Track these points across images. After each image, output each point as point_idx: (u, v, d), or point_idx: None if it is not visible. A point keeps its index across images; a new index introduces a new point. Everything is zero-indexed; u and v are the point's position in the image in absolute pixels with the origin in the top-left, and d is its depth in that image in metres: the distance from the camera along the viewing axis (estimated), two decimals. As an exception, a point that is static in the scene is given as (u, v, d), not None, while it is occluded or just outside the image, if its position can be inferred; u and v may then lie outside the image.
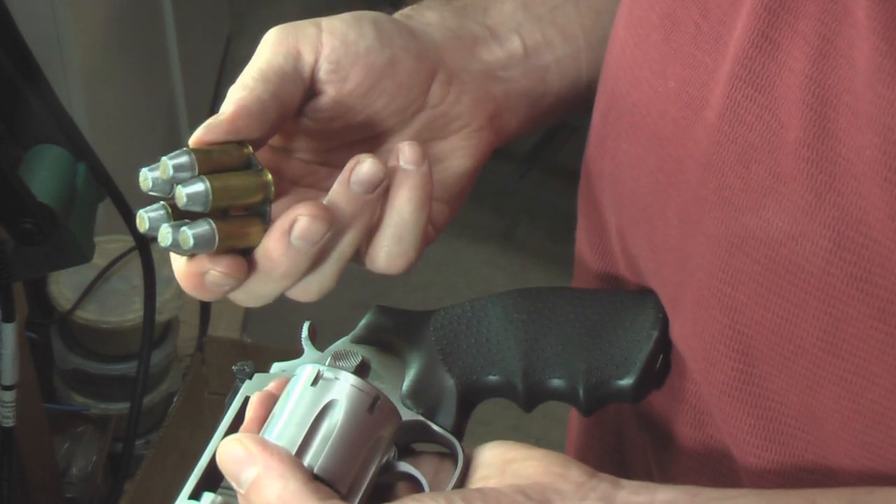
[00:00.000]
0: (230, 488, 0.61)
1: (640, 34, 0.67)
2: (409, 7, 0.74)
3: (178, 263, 0.63)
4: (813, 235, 0.58)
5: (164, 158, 0.62)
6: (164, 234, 0.61)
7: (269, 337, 2.39)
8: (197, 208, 0.61)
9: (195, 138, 0.63)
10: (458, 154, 0.71)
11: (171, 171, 0.61)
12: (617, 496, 0.58)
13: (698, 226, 0.63)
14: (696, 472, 0.70)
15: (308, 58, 0.67)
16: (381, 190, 0.64)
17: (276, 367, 0.68)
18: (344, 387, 0.62)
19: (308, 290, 0.66)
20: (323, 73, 0.67)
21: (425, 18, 0.73)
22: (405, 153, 0.65)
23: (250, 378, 0.67)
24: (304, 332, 0.69)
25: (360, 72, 0.68)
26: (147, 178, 0.62)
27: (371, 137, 0.71)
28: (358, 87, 0.68)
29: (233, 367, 0.68)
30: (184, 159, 0.61)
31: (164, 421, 1.94)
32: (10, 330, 1.34)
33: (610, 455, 0.79)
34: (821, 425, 0.62)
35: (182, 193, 0.61)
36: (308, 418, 0.61)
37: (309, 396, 0.62)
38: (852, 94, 0.55)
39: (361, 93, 0.68)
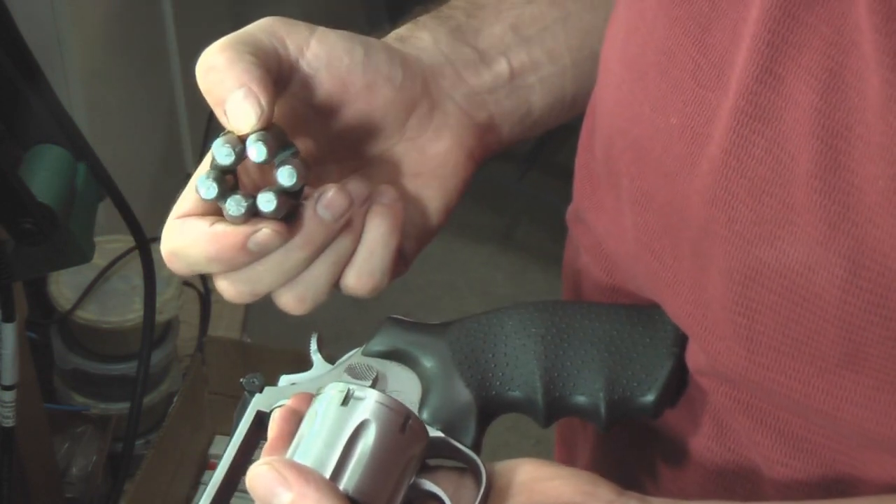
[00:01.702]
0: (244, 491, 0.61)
1: (637, 71, 0.66)
2: (405, 26, 0.75)
3: (217, 230, 0.63)
4: (828, 265, 0.58)
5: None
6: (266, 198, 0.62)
7: (269, 337, 2.39)
8: (292, 184, 0.63)
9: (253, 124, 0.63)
10: (431, 193, 0.72)
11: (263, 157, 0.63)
12: None
13: (710, 259, 0.63)
14: (714, 486, 0.70)
15: (291, 50, 0.67)
16: (346, 218, 0.65)
17: (285, 379, 0.68)
18: (375, 406, 0.61)
19: (302, 299, 0.66)
20: (300, 75, 0.68)
21: (419, 41, 0.73)
22: (381, 193, 0.67)
23: (260, 391, 0.66)
24: (313, 345, 0.69)
25: (335, 86, 0.68)
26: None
27: (353, 158, 0.71)
28: (329, 100, 0.68)
29: (241, 381, 0.67)
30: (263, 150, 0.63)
31: (164, 421, 1.94)
32: (10, 330, 1.34)
33: (611, 472, 0.79)
34: (847, 438, 0.63)
35: (283, 173, 0.63)
36: (340, 440, 0.60)
37: (339, 416, 0.60)
38: (863, 125, 0.55)
39: (332, 107, 0.69)
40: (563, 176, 0.80)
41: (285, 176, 0.63)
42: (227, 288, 0.66)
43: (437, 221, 0.72)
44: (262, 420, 0.66)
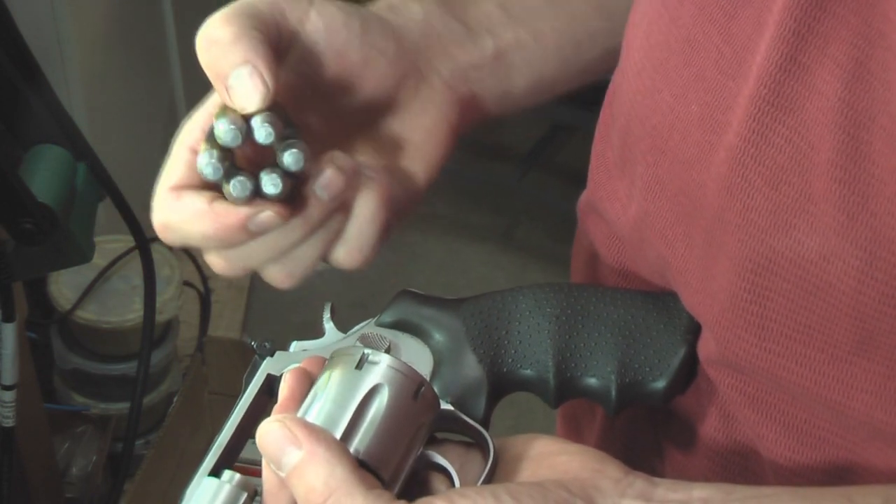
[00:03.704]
0: (250, 462, 0.61)
1: (659, 59, 0.67)
2: None
3: (217, 210, 0.62)
4: (844, 255, 0.58)
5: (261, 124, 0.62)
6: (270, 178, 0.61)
7: (269, 337, 2.39)
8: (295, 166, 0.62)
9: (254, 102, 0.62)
10: (416, 167, 0.71)
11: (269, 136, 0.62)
12: (654, 493, 0.58)
13: (721, 248, 0.63)
14: (719, 474, 0.70)
15: (291, 22, 0.66)
16: (342, 197, 0.65)
17: (297, 345, 0.68)
18: (389, 371, 0.60)
19: (291, 274, 0.66)
20: (299, 47, 0.67)
21: (410, 12, 0.73)
22: (366, 167, 0.67)
23: (271, 355, 0.66)
24: (326, 313, 0.68)
25: (331, 60, 0.68)
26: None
27: (340, 129, 0.71)
28: (324, 73, 0.68)
29: (252, 343, 0.67)
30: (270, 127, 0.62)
31: (164, 421, 1.94)
32: (10, 330, 1.33)
33: (618, 458, 0.79)
34: (854, 430, 0.63)
35: (290, 157, 0.62)
36: (352, 402, 0.59)
37: (352, 379, 0.60)
38: (887, 115, 0.55)
39: (326, 80, 0.68)
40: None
41: (292, 161, 0.62)
42: (218, 262, 0.65)
43: (420, 194, 0.72)
44: (271, 384, 0.65)
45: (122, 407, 1.87)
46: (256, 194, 0.62)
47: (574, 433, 0.84)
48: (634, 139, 0.69)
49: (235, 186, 0.61)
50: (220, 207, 0.62)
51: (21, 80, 1.12)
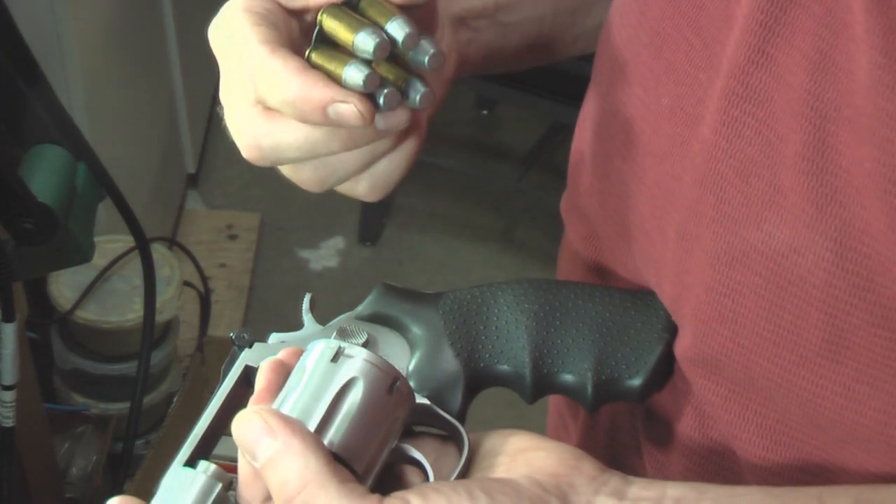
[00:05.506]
0: (227, 459, 0.61)
1: (630, 52, 0.67)
2: None
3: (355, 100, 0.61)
4: (815, 247, 0.58)
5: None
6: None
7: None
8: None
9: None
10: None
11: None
12: (628, 491, 0.59)
13: (696, 241, 0.64)
14: (696, 473, 0.70)
15: None
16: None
17: (275, 337, 0.68)
18: (364, 365, 0.60)
19: (324, 180, 0.67)
20: None
21: None
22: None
23: (249, 347, 0.67)
24: (305, 304, 0.69)
25: None
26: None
27: None
28: None
29: (231, 335, 0.67)
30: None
31: (164, 421, 1.95)
32: (10, 330, 1.33)
33: (601, 455, 0.80)
34: (825, 432, 0.63)
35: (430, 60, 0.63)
36: (327, 395, 0.59)
37: (328, 372, 0.60)
38: (852, 107, 0.55)
39: None
40: (563, 176, 0.81)
41: (434, 64, 0.63)
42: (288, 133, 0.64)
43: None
44: (249, 375, 0.66)
45: (122, 407, 1.87)
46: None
47: (561, 430, 0.84)
48: (609, 133, 0.69)
49: (387, 96, 0.62)
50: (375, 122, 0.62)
51: (21, 80, 1.12)
